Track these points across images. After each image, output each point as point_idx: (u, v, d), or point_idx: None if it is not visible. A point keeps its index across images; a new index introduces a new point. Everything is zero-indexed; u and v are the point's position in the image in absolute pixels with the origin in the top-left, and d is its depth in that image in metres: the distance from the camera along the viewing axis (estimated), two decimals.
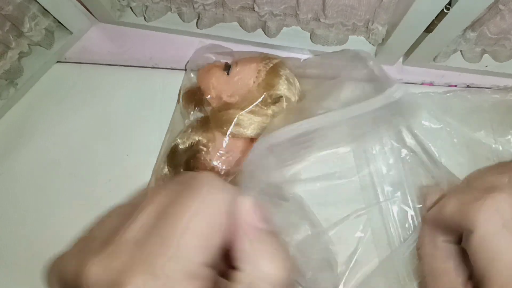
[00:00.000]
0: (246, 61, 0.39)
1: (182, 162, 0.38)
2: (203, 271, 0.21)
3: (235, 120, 0.36)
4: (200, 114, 0.40)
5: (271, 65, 0.38)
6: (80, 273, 0.21)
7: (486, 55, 0.41)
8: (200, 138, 0.38)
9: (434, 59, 0.41)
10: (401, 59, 0.43)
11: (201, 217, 0.21)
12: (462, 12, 0.32)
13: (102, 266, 0.21)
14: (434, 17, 0.33)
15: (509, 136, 0.41)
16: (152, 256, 0.20)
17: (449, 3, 0.31)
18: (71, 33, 0.44)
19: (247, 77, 0.38)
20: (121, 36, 0.45)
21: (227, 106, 0.38)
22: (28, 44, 0.42)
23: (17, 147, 0.42)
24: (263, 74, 0.38)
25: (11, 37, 0.40)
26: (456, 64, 0.42)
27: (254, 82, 0.38)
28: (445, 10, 0.32)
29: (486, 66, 0.42)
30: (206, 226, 0.21)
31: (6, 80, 0.42)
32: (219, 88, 0.38)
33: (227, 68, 0.39)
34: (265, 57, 0.39)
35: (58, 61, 0.45)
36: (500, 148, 0.41)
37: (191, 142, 0.38)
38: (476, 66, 0.42)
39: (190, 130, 0.38)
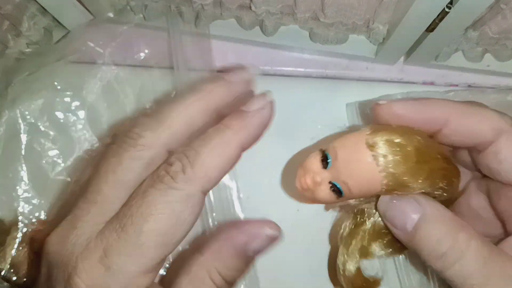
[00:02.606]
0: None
1: None
2: (160, 265, 0.21)
3: None
4: None
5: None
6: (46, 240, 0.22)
7: (487, 55, 0.41)
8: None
9: (435, 59, 0.41)
10: (402, 59, 0.43)
11: (161, 217, 0.21)
12: (464, 11, 0.32)
13: (59, 238, 0.22)
14: (435, 16, 0.33)
15: None
16: (109, 248, 0.20)
17: (450, 2, 0.31)
18: (70, 32, 0.44)
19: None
20: (120, 35, 0.45)
21: None
22: (26, 44, 0.42)
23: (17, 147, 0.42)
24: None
25: (9, 36, 0.40)
26: (457, 63, 0.42)
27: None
28: (446, 9, 0.32)
29: (488, 66, 0.42)
30: (166, 225, 0.21)
31: (4, 79, 0.42)
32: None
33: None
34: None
35: (54, 60, 0.45)
36: None
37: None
38: (477, 66, 0.41)
39: None
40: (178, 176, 0.21)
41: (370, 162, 0.22)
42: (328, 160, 0.23)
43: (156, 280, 0.23)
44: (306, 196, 0.25)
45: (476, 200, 0.28)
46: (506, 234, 0.26)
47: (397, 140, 0.23)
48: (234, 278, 0.23)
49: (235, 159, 0.23)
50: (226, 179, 0.40)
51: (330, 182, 0.24)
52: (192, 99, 0.23)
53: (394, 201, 0.24)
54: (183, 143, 0.23)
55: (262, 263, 0.39)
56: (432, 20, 0.34)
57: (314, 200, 0.25)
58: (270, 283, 0.39)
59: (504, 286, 0.21)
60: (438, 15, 0.33)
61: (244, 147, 0.23)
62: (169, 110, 0.23)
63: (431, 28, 0.35)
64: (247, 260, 0.24)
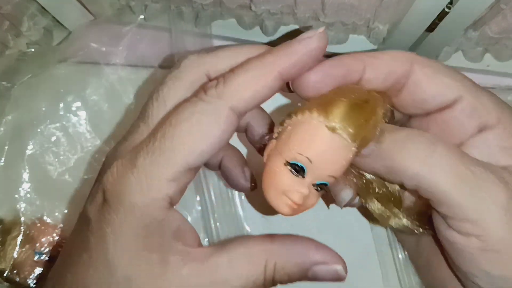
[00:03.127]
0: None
1: None
2: (184, 177, 0.22)
3: None
4: None
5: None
6: None
7: (487, 55, 0.41)
8: None
9: (435, 58, 0.41)
10: None
11: (187, 125, 0.21)
12: (464, 11, 0.32)
13: (113, 149, 0.24)
14: (435, 16, 0.33)
15: None
16: (140, 151, 0.21)
17: (451, 2, 0.31)
18: (70, 32, 0.44)
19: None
20: (122, 35, 0.45)
21: None
22: (26, 43, 0.42)
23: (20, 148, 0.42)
24: None
25: (9, 36, 0.40)
26: (457, 63, 0.42)
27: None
28: (446, 9, 0.32)
29: (488, 66, 0.42)
30: (190, 134, 0.21)
31: (5, 79, 0.42)
32: None
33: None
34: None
35: (55, 60, 0.45)
36: None
37: None
38: (477, 66, 0.42)
39: None
40: (210, 90, 0.21)
41: (342, 143, 0.21)
42: (303, 167, 0.22)
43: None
44: (297, 212, 0.23)
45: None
46: None
47: (345, 108, 0.22)
48: (281, 281, 0.23)
49: (272, 85, 0.22)
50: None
51: (313, 185, 0.22)
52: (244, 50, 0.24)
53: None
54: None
55: None
56: (432, 20, 0.34)
57: (305, 210, 0.24)
58: None
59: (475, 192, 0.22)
60: (438, 15, 0.33)
61: (284, 75, 0.22)
62: (217, 49, 0.24)
63: (431, 28, 0.35)
64: (302, 276, 0.23)
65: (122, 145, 0.23)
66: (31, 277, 0.36)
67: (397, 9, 0.35)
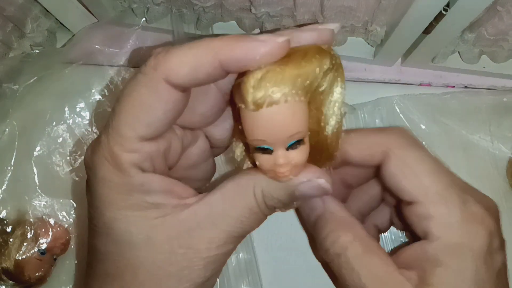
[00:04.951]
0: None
1: None
2: (145, 145, 0.22)
3: None
4: None
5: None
6: None
7: (484, 56, 0.42)
8: None
9: (432, 60, 0.42)
10: (399, 60, 0.43)
11: (127, 98, 0.22)
12: (460, 13, 0.32)
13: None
14: (432, 19, 0.33)
15: (507, 139, 0.41)
16: (103, 129, 0.23)
17: (447, 5, 0.32)
18: (73, 34, 0.45)
19: None
20: (126, 37, 0.45)
21: None
22: (30, 45, 0.43)
23: (19, 148, 0.42)
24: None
25: (13, 38, 0.41)
26: (454, 65, 0.42)
27: None
28: (443, 12, 0.32)
29: (484, 67, 0.42)
30: (132, 106, 0.22)
31: (10, 80, 0.42)
32: None
33: None
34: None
35: (60, 62, 0.45)
36: (497, 152, 0.41)
37: None
38: (474, 67, 0.42)
39: None
40: (148, 62, 0.22)
41: (276, 108, 0.21)
42: (266, 147, 0.22)
43: None
44: (295, 173, 0.24)
45: (373, 190, 0.31)
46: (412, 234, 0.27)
47: (253, 80, 0.21)
48: (273, 206, 0.24)
49: (210, 72, 0.21)
50: None
51: (287, 149, 0.23)
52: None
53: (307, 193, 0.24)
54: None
55: (262, 263, 0.40)
56: (429, 22, 0.34)
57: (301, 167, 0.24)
58: (271, 283, 0.40)
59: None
60: (435, 17, 0.33)
61: (223, 62, 0.21)
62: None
63: (428, 30, 0.35)
64: (291, 197, 0.24)
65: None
66: (35, 275, 0.36)
67: (394, 12, 0.35)
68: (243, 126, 0.22)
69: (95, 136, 0.42)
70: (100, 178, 0.22)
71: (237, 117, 0.24)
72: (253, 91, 0.21)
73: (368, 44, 0.41)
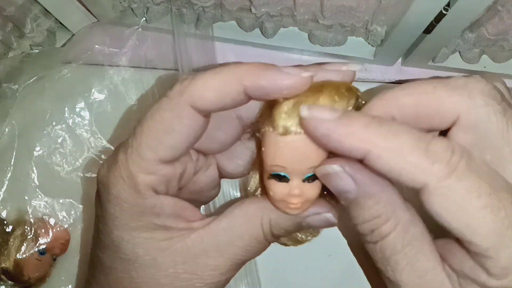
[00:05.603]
0: None
1: None
2: (162, 167, 0.22)
3: None
4: None
5: None
6: None
7: (484, 56, 0.41)
8: None
9: (432, 60, 0.42)
10: (400, 60, 0.43)
11: (151, 122, 0.22)
12: (461, 13, 0.32)
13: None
14: (432, 18, 0.33)
15: None
16: (121, 147, 0.23)
17: (448, 4, 0.32)
18: (73, 34, 0.45)
19: None
20: (126, 37, 0.45)
21: None
22: (30, 45, 0.43)
23: (19, 148, 0.42)
24: None
25: (12, 38, 0.41)
26: (454, 64, 0.42)
27: None
28: (443, 11, 0.32)
29: (485, 67, 0.42)
30: (156, 129, 0.22)
31: (10, 80, 0.42)
32: None
33: None
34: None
35: (59, 62, 0.45)
36: None
37: None
38: (474, 67, 0.42)
39: None
40: (174, 87, 0.22)
41: (300, 138, 0.21)
42: (283, 174, 0.23)
43: None
44: (304, 208, 0.24)
45: None
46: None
47: (285, 107, 0.22)
48: (279, 235, 0.24)
49: (235, 98, 0.22)
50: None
51: (303, 181, 0.23)
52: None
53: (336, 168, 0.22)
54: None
55: (263, 262, 0.40)
56: (429, 22, 0.34)
57: (311, 202, 0.24)
58: (270, 284, 0.40)
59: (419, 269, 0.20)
60: (436, 17, 0.33)
61: (248, 88, 0.21)
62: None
63: (428, 30, 0.35)
64: (297, 227, 0.24)
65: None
66: (34, 275, 0.36)
67: (395, 11, 0.35)
68: (265, 151, 0.23)
69: (95, 137, 0.43)
70: (113, 196, 0.22)
71: (259, 144, 0.24)
72: (285, 116, 0.21)
73: (369, 44, 0.41)
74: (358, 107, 0.23)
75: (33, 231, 0.37)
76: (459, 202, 0.19)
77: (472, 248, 0.19)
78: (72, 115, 0.43)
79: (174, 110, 0.22)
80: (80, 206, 0.41)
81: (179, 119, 0.22)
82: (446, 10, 0.32)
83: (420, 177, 0.19)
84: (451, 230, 0.19)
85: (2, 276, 0.36)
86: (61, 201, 0.40)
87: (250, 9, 0.38)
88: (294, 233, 0.25)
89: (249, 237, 0.24)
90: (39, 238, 0.37)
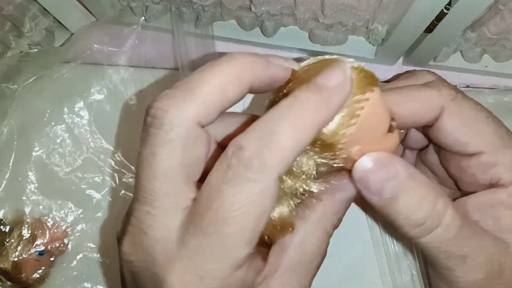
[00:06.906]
0: None
1: None
2: (247, 259, 0.20)
3: None
4: None
5: None
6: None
7: (486, 55, 0.41)
8: None
9: (434, 59, 0.41)
10: (401, 59, 0.43)
11: (243, 216, 0.19)
12: (462, 12, 0.32)
13: (134, 246, 0.20)
14: (434, 17, 0.33)
15: None
16: (194, 256, 0.19)
17: (449, 3, 0.32)
18: (71, 33, 0.44)
19: None
20: (125, 37, 0.45)
21: None
22: (28, 44, 0.42)
23: (18, 148, 0.42)
24: None
25: (11, 37, 0.41)
26: (456, 64, 0.42)
27: None
28: (445, 10, 0.32)
29: (486, 66, 0.42)
30: (248, 222, 0.19)
31: (8, 80, 0.42)
32: None
33: None
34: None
35: (58, 62, 0.45)
36: None
37: None
38: (476, 66, 0.42)
39: None
40: (254, 165, 0.18)
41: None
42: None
43: None
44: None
45: (433, 158, 0.30)
46: (459, 190, 0.28)
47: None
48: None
49: (310, 141, 0.19)
50: None
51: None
52: (226, 66, 0.20)
53: (370, 165, 0.22)
54: (215, 118, 0.21)
55: None
56: (431, 21, 0.34)
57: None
58: None
59: (475, 251, 0.22)
60: (437, 16, 0.33)
61: (321, 128, 0.20)
62: (198, 78, 0.20)
63: (430, 29, 0.35)
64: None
65: (146, 240, 0.20)
66: (33, 276, 0.36)
67: (396, 10, 0.35)
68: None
69: (94, 137, 0.42)
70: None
71: None
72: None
73: (369, 43, 0.41)
74: None
75: (30, 232, 0.37)
76: (471, 114, 0.25)
77: (483, 160, 0.25)
78: (71, 115, 0.43)
79: (265, 192, 0.19)
80: (79, 207, 0.41)
81: (270, 199, 0.19)
82: (448, 9, 0.32)
83: (438, 102, 0.25)
84: (462, 144, 0.25)
85: (1, 277, 0.36)
86: (59, 202, 0.40)
87: (250, 8, 0.38)
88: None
89: (321, 253, 0.24)
90: (37, 239, 0.37)
